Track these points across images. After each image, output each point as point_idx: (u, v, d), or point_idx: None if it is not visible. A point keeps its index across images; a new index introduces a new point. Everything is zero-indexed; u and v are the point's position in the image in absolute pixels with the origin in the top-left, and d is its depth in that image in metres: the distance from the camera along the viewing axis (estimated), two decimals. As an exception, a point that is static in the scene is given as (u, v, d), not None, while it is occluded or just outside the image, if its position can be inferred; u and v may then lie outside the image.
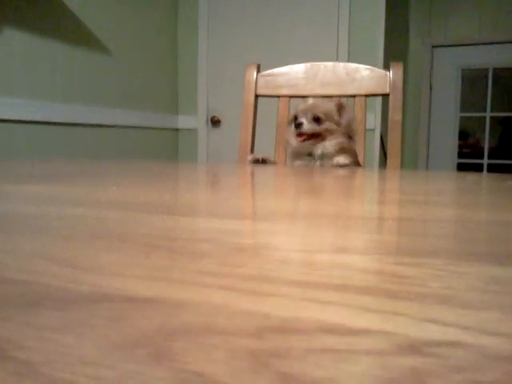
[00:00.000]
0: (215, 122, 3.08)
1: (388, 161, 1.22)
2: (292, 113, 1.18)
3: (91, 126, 2.43)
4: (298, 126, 1.11)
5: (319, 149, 1.12)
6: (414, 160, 3.88)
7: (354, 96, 1.27)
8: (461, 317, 0.14)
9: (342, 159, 1.07)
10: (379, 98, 2.56)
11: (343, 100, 1.18)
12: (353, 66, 1.29)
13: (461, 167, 3.84)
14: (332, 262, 0.20)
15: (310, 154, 1.13)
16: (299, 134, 1.12)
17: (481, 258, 0.21)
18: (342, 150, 1.11)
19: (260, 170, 0.96)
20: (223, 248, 0.22)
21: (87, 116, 2.38)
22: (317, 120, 1.11)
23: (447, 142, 3.85)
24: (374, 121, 2.61)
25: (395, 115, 1.23)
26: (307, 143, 1.12)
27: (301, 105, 1.16)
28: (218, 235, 0.25)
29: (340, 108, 1.14)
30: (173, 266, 0.18)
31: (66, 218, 0.30)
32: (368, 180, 0.78)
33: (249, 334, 0.12)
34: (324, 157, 1.12)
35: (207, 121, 3.10)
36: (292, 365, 0.11)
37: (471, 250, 0.23)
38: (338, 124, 1.13)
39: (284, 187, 0.62)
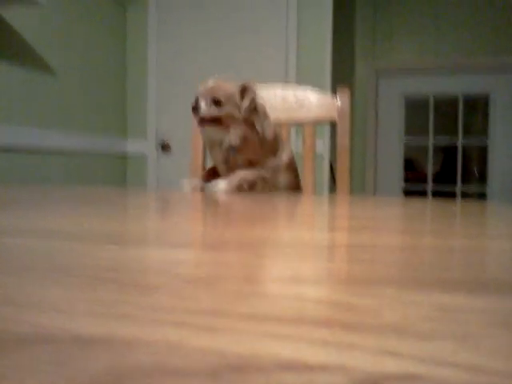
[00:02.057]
0: (165, 148, 3.06)
1: (337, 186, 1.25)
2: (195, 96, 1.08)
3: (33, 150, 2.35)
4: (195, 110, 1.02)
5: (225, 140, 1.03)
6: (361, 185, 3.98)
7: (303, 122, 1.30)
8: (416, 348, 0.14)
9: (221, 184, 1.00)
10: (328, 124, 2.62)
11: (249, 82, 1.08)
12: (302, 92, 1.31)
13: (406, 192, 3.97)
14: (286, 292, 0.19)
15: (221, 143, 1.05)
16: (198, 119, 1.03)
17: (431, 285, 0.21)
18: (245, 143, 1.03)
19: (210, 196, 0.96)
20: (175, 280, 0.21)
21: (29, 139, 2.31)
22: (217, 103, 1.01)
23: (393, 168, 3.98)
24: (322, 146, 2.66)
25: (343, 141, 1.26)
26: (209, 129, 1.03)
27: (201, 87, 1.06)
28: (170, 266, 0.24)
29: (243, 91, 1.04)
30: (122, 301, 0.17)
31: (3, 250, 0.28)
32: (318, 205, 0.79)
33: (204, 374, 0.12)
34: (232, 149, 1.04)
35: (157, 146, 3.07)
36: (249, 407, 0.10)
37: (421, 278, 0.23)
38: (239, 109, 1.03)
39: (234, 214, 0.62)
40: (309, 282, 0.22)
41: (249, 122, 1.03)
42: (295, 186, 1.15)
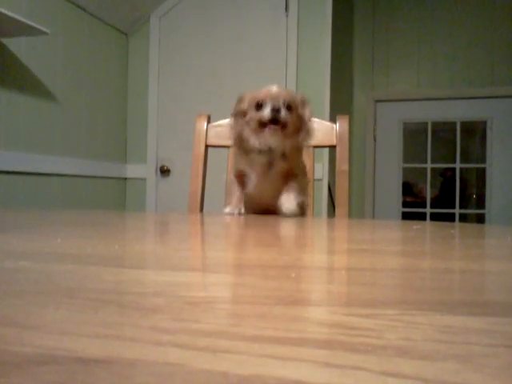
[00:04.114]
0: (164, 172, 3.07)
1: (336, 210, 1.25)
2: (250, 99, 0.99)
3: (36, 174, 2.36)
4: (277, 111, 0.93)
5: (280, 147, 0.97)
6: (360, 208, 3.98)
7: (302, 147, 1.31)
8: (419, 368, 0.14)
9: (292, 206, 0.95)
10: (326, 149, 2.64)
11: (305, 96, 1.04)
12: (301, 118, 1.32)
13: (405, 216, 3.97)
14: (287, 314, 0.19)
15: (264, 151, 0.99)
16: (274, 122, 0.94)
17: (432, 306, 0.21)
18: (296, 152, 1.00)
19: (210, 219, 0.96)
20: (176, 302, 0.21)
21: (32, 164, 2.32)
22: (288, 109, 0.95)
23: (392, 192, 3.99)
24: (321, 171, 2.68)
25: (342, 165, 1.27)
26: (277, 135, 0.95)
27: (263, 91, 0.98)
28: (170, 288, 0.24)
29: (303, 102, 1.01)
30: (124, 323, 0.17)
31: (5, 272, 0.28)
32: (318, 229, 0.79)
33: (206, 395, 0.12)
34: (273, 151, 0.98)
35: (156, 170, 3.08)
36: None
37: (422, 299, 0.23)
38: (300, 119, 0.99)
39: (235, 237, 0.62)
40: (310, 303, 0.22)
41: (306, 132, 1.00)
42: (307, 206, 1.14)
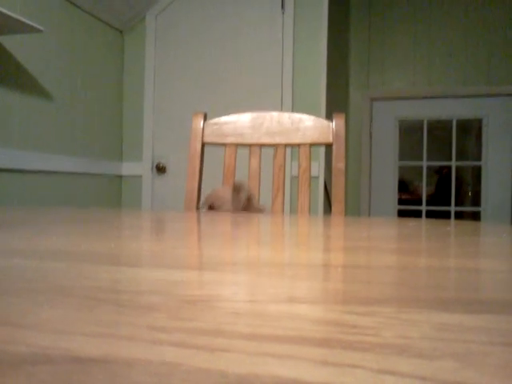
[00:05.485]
0: (160, 169, 3.06)
1: (332, 207, 1.25)
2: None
3: (31, 172, 2.35)
4: None
5: None
6: (356, 206, 3.99)
7: (298, 145, 1.31)
8: (417, 366, 0.13)
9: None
10: (323, 147, 2.64)
11: (242, 181, 1.25)
12: (297, 116, 1.33)
13: (401, 213, 3.98)
14: (284, 312, 0.19)
15: None
16: None
17: (429, 304, 0.21)
18: None
19: (206, 217, 0.96)
20: (173, 300, 0.21)
21: (27, 162, 2.31)
22: (211, 208, 1.20)
23: (388, 190, 4.00)
24: (318, 169, 2.68)
25: (338, 163, 1.27)
26: None
27: (203, 197, 1.27)
28: (167, 287, 0.24)
29: (237, 187, 1.20)
30: (120, 322, 0.17)
31: (0, 270, 0.28)
32: (314, 226, 0.79)
33: (204, 394, 0.12)
34: None
35: (152, 168, 3.07)
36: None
37: (419, 297, 0.23)
38: (237, 203, 1.19)
39: (231, 235, 0.62)
40: (307, 301, 0.22)
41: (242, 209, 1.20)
42: None
